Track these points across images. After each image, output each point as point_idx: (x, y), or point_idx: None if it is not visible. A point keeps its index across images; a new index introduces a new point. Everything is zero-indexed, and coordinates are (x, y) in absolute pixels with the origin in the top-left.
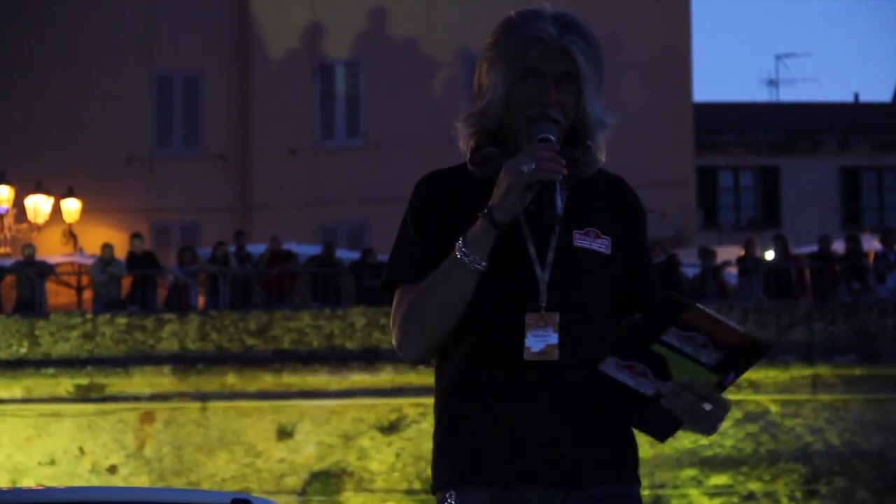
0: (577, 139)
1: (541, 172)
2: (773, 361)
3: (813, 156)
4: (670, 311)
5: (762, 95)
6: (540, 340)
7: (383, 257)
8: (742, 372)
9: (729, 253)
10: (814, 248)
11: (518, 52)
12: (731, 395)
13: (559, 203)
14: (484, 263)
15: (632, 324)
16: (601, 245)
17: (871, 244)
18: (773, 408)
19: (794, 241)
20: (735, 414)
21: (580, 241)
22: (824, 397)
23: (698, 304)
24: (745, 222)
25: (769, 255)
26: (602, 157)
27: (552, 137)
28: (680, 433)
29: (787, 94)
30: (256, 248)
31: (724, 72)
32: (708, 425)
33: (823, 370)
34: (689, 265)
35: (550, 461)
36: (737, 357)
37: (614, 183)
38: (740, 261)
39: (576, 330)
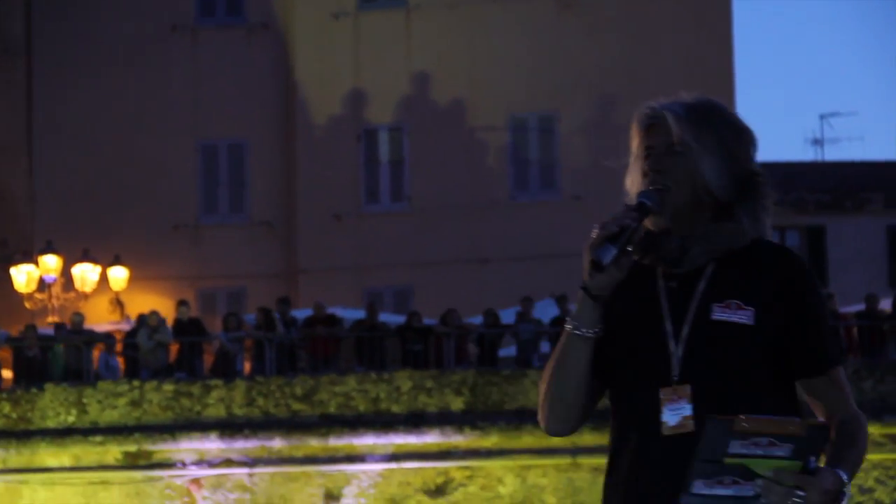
0: (723, 213)
1: (599, 231)
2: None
3: (859, 214)
4: (720, 432)
5: (807, 154)
6: (676, 414)
7: (429, 321)
8: (818, 454)
9: None
10: (861, 306)
11: (637, 134)
12: None
13: (606, 255)
14: (585, 330)
15: (696, 451)
16: (743, 316)
17: None
18: None
19: (840, 299)
20: None
21: (719, 314)
22: (874, 457)
23: (740, 416)
24: None
25: None
26: (760, 228)
27: (647, 202)
28: None
29: (832, 154)
30: (301, 313)
31: (768, 131)
32: None
33: (872, 429)
34: None
35: None
36: (806, 443)
37: (773, 252)
38: None
39: (712, 400)
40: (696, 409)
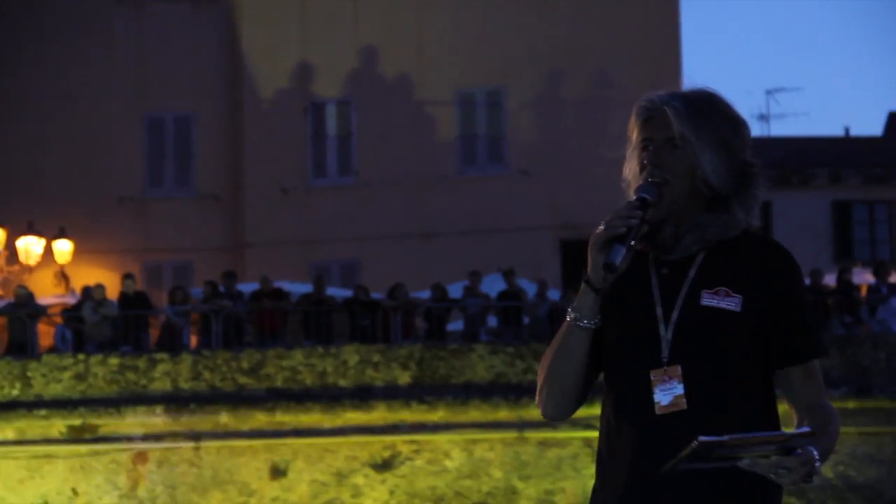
0: (718, 203)
1: (606, 230)
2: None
3: (804, 190)
4: (705, 454)
5: (753, 130)
6: (667, 394)
7: (376, 295)
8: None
9: None
10: (806, 281)
11: (636, 126)
12: None
13: (617, 256)
14: (587, 322)
15: (678, 459)
16: (731, 303)
17: (863, 277)
18: None
19: None
20: None
21: (708, 300)
22: None
23: (726, 437)
24: None
25: None
26: (752, 219)
27: (647, 196)
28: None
29: (778, 129)
30: (248, 287)
31: None
32: (796, 479)
33: None
34: None
35: None
36: (789, 444)
37: (763, 244)
38: None
39: (702, 380)
40: (687, 388)
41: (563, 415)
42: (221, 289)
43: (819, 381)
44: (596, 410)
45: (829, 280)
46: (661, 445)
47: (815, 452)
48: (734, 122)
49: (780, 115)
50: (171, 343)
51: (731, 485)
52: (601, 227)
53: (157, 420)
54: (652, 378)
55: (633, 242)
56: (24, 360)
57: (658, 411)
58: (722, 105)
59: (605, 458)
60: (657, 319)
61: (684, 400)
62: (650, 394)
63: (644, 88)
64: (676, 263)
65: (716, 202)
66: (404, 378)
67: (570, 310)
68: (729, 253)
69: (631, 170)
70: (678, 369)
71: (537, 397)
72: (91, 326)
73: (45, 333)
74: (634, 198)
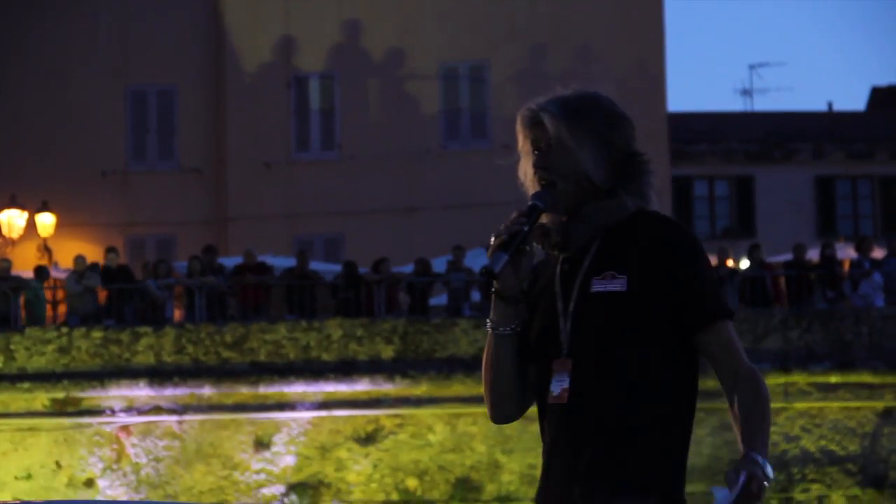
0: (607, 195)
1: (493, 240)
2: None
3: (787, 165)
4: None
5: (736, 105)
6: (558, 385)
7: (363, 270)
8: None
9: None
10: (788, 256)
11: (522, 131)
12: (706, 405)
13: (497, 263)
14: (503, 329)
15: None
16: (617, 284)
17: (846, 252)
18: None
19: (768, 249)
20: (712, 422)
21: (597, 286)
22: (800, 405)
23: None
24: (720, 231)
25: (744, 264)
26: (644, 203)
27: (539, 203)
28: None
29: (761, 104)
30: (231, 261)
31: (698, 82)
32: None
33: (799, 378)
34: None
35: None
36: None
37: (650, 220)
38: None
39: (589, 370)
40: (572, 382)
41: (511, 417)
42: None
43: (734, 345)
44: None
45: (812, 255)
46: (552, 434)
47: (759, 458)
48: (611, 118)
49: (763, 90)
50: (155, 317)
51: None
52: (493, 237)
53: (141, 393)
54: (553, 368)
55: (521, 247)
56: (8, 332)
57: (549, 401)
58: (599, 104)
59: (542, 441)
60: (558, 313)
61: (567, 394)
62: (550, 384)
63: (627, 63)
64: (575, 257)
65: (607, 194)
66: (388, 352)
67: (488, 321)
68: (619, 236)
69: (525, 173)
70: (569, 362)
71: (486, 406)
72: (74, 298)
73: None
74: (529, 204)
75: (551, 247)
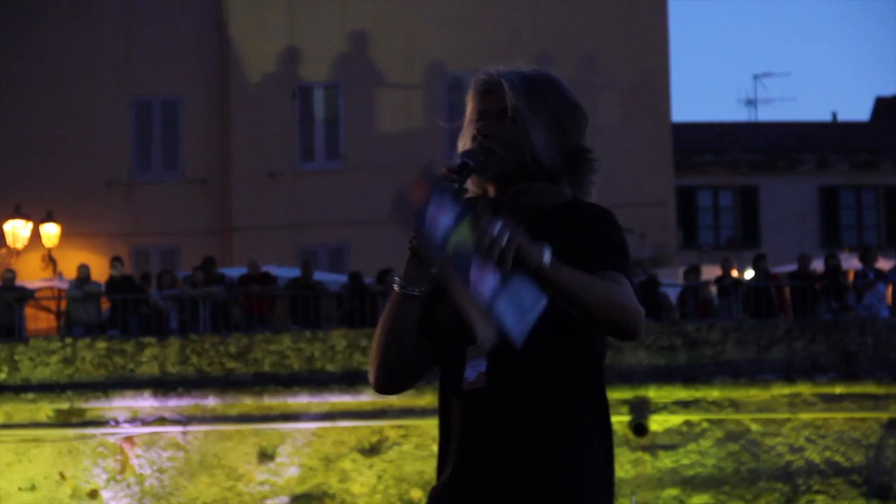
0: (547, 180)
1: (414, 189)
2: (753, 380)
3: (792, 175)
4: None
5: (741, 115)
6: (474, 370)
7: (369, 280)
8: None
9: (709, 273)
10: (793, 266)
11: (472, 99)
12: (713, 415)
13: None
14: (412, 289)
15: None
16: None
17: (850, 262)
18: (754, 426)
19: (773, 259)
20: (716, 433)
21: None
22: (805, 416)
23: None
24: (725, 242)
25: (749, 274)
26: (581, 195)
27: (469, 161)
28: (663, 453)
29: (766, 114)
30: (236, 271)
31: (702, 92)
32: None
33: (803, 389)
34: (669, 285)
35: (483, 491)
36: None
37: (582, 209)
38: (718, 280)
39: (507, 356)
40: (489, 366)
41: (394, 388)
42: (201, 276)
43: (625, 287)
44: None
45: (817, 265)
46: (470, 422)
47: (547, 252)
48: (571, 105)
49: (768, 99)
50: (159, 327)
51: (548, 474)
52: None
53: (145, 404)
54: (467, 354)
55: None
56: (12, 343)
57: (464, 387)
58: (560, 87)
59: (440, 434)
60: None
61: (485, 377)
62: (463, 370)
63: (632, 73)
64: None
65: (545, 177)
66: None
67: (396, 279)
68: (550, 222)
69: (465, 144)
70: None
71: (370, 370)
72: (76, 305)
73: (32, 317)
74: (458, 162)
75: None
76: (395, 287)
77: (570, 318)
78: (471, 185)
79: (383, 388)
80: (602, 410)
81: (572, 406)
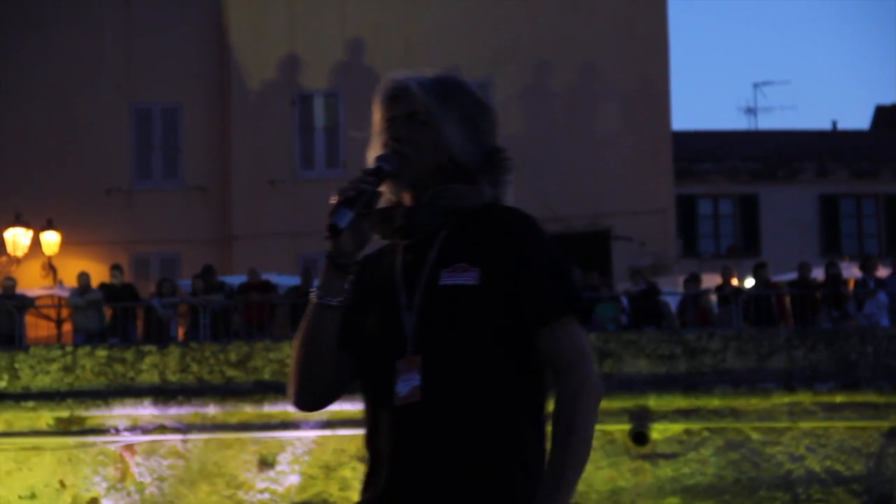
0: (464, 180)
1: (339, 196)
2: (753, 389)
3: (792, 183)
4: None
5: (741, 123)
6: (407, 384)
7: None
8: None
9: (709, 281)
10: (793, 275)
11: (379, 108)
12: (713, 424)
13: (342, 219)
14: (331, 299)
15: None
16: (468, 277)
17: (850, 271)
18: (755, 435)
19: (773, 268)
20: (716, 442)
21: (446, 278)
22: (805, 424)
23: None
24: (725, 250)
25: (749, 282)
26: (499, 197)
27: (385, 165)
28: (663, 462)
29: (766, 122)
30: (236, 279)
31: (702, 100)
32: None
33: (804, 397)
34: (669, 293)
35: None
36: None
37: (501, 211)
38: (718, 289)
39: (441, 367)
40: (424, 379)
41: (313, 404)
42: (201, 283)
43: (577, 345)
44: None
45: (817, 274)
46: (403, 438)
47: None
48: (482, 105)
49: (768, 108)
50: (159, 335)
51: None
52: (334, 197)
53: (145, 412)
54: (397, 368)
55: (366, 208)
56: (12, 351)
57: (397, 402)
58: (468, 88)
59: (367, 450)
60: (401, 307)
61: (420, 391)
62: (393, 384)
63: (631, 81)
64: (420, 247)
65: (462, 178)
66: None
67: (314, 288)
68: (470, 226)
69: (375, 153)
70: (419, 360)
71: (288, 385)
72: (77, 313)
73: (33, 325)
74: (373, 166)
75: (392, 232)
76: (313, 297)
77: (508, 328)
78: (386, 193)
79: (301, 403)
80: (540, 424)
81: (510, 420)
